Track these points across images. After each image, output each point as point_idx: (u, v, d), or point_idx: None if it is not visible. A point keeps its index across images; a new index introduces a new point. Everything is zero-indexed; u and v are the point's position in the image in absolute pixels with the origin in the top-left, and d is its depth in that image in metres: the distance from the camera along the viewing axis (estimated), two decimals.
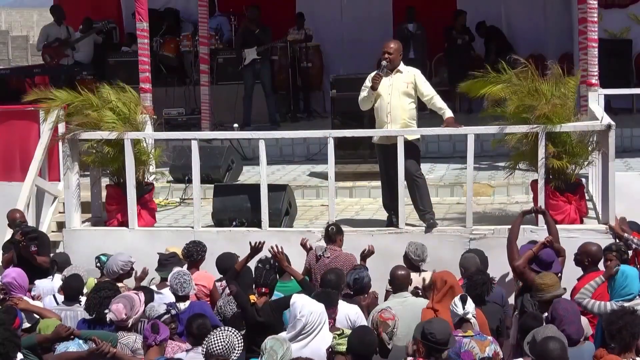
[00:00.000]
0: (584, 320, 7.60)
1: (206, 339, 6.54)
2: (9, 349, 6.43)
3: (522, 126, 10.12)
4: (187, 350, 7.15)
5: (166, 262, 8.68)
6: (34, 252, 9.76)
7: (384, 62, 10.23)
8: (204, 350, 6.50)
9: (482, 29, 16.64)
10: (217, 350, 6.41)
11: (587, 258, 8.58)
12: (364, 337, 6.55)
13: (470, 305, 7.14)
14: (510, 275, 9.14)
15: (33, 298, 8.80)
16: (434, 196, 11.21)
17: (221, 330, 6.57)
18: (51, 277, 9.07)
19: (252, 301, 7.74)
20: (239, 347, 6.50)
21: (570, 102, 10.14)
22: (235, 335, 6.52)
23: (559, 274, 8.69)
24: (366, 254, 9.19)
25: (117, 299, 7.40)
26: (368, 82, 10.37)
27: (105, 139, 10.67)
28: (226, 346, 6.41)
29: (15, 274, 8.74)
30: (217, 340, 6.44)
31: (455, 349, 6.79)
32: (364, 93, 10.36)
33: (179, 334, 7.65)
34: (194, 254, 9.09)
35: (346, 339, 6.58)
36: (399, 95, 10.25)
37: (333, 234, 9.31)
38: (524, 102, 9.99)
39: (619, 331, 6.52)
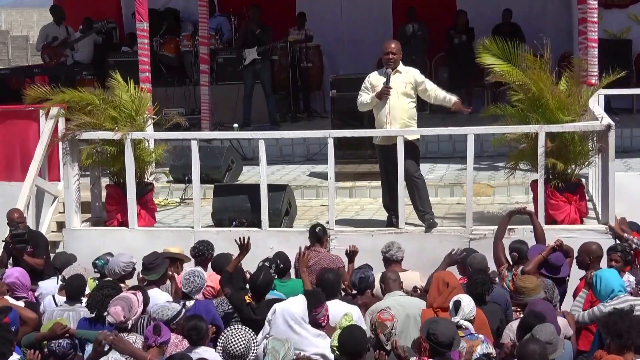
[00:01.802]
0: (563, 320, 7.64)
1: (222, 339, 6.63)
2: (2, 346, 6.48)
3: (522, 126, 10.12)
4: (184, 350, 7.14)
5: (151, 265, 8.66)
6: (29, 253, 9.82)
7: (388, 71, 10.21)
8: (221, 350, 6.56)
9: (507, 17, 16.46)
10: (239, 350, 6.48)
11: (588, 257, 8.61)
12: (353, 334, 6.58)
13: (462, 312, 7.14)
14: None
15: (36, 299, 8.83)
16: (434, 196, 11.22)
17: (235, 329, 6.62)
18: (55, 279, 9.07)
19: (247, 301, 7.80)
20: (255, 345, 6.58)
21: (577, 103, 10.16)
22: (250, 333, 6.60)
23: (567, 277, 8.71)
24: (351, 254, 9.17)
25: (115, 301, 7.40)
26: (368, 84, 10.37)
27: (106, 139, 10.70)
28: (246, 346, 6.51)
29: (18, 273, 8.78)
30: (236, 340, 6.54)
31: (457, 347, 6.80)
32: (365, 98, 10.34)
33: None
34: (205, 253, 9.13)
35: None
36: (398, 96, 10.25)
37: (321, 235, 9.28)
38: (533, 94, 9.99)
39: (627, 331, 6.51)
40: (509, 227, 9.64)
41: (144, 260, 8.66)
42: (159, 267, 8.62)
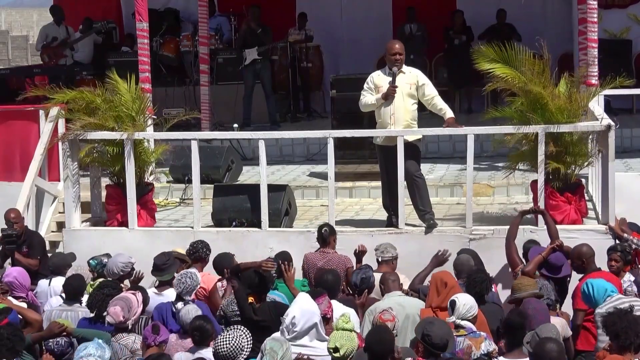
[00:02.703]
0: (561, 320, 7.64)
1: (217, 338, 6.57)
2: (15, 343, 6.52)
3: (522, 126, 10.11)
4: (187, 350, 7.15)
5: (164, 266, 8.66)
6: (23, 253, 9.89)
7: (394, 69, 10.16)
8: (213, 350, 6.54)
9: (502, 17, 16.42)
10: (223, 351, 6.45)
11: (581, 260, 8.56)
12: (382, 336, 6.56)
13: (457, 312, 7.15)
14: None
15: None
16: (434, 196, 11.22)
17: (231, 330, 6.60)
18: (48, 280, 9.08)
19: (250, 300, 7.78)
20: (247, 347, 6.54)
21: (577, 104, 10.17)
22: (244, 336, 6.55)
23: (568, 278, 8.71)
24: (359, 254, 9.18)
25: (114, 301, 7.41)
26: (371, 84, 10.32)
27: (107, 139, 10.71)
28: (232, 347, 6.47)
29: (16, 273, 8.81)
30: (224, 341, 6.49)
31: (451, 349, 6.81)
32: (369, 99, 10.25)
33: (174, 333, 7.64)
34: (199, 250, 9.11)
35: (341, 353, 6.57)
36: (403, 97, 10.18)
37: (327, 236, 9.28)
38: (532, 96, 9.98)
39: (624, 331, 6.53)
40: (507, 227, 9.62)
41: (156, 261, 8.68)
42: (171, 268, 8.65)
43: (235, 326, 6.79)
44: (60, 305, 8.27)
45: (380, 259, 8.94)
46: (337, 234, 9.55)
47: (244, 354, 6.52)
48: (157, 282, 8.81)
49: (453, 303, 7.21)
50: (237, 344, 6.48)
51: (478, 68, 10.30)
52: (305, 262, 9.22)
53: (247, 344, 6.56)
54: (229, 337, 6.51)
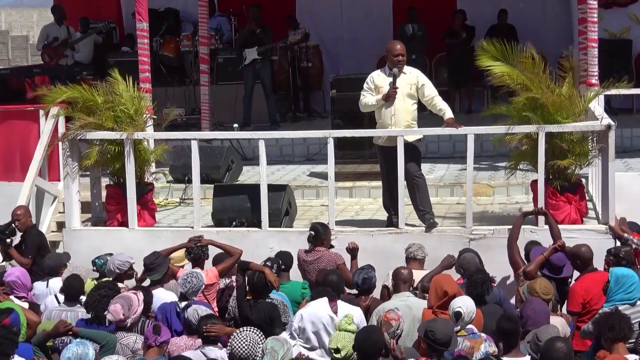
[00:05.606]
0: (561, 320, 7.63)
1: (230, 340, 6.61)
2: (6, 347, 6.47)
3: (522, 126, 10.11)
4: (197, 348, 7.15)
5: (152, 265, 8.64)
6: (21, 251, 9.91)
7: (395, 70, 10.15)
8: (229, 351, 6.57)
9: (503, 18, 16.43)
10: (242, 352, 6.47)
11: (577, 260, 8.55)
12: (370, 336, 6.57)
13: (462, 321, 7.14)
14: (512, 278, 9.14)
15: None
16: (434, 196, 11.22)
17: (244, 330, 6.62)
18: (45, 281, 9.06)
19: (248, 297, 7.79)
20: (262, 345, 6.56)
21: (578, 103, 10.16)
22: (257, 334, 6.59)
23: (569, 279, 8.70)
24: (352, 250, 9.16)
25: (115, 300, 7.42)
26: (371, 84, 10.30)
27: (108, 139, 10.71)
28: (251, 347, 6.48)
29: (19, 272, 8.82)
30: (241, 342, 6.52)
31: (454, 347, 6.81)
32: (369, 99, 10.24)
33: (178, 333, 7.64)
34: (200, 257, 9.08)
35: (342, 354, 6.59)
36: (403, 98, 10.17)
37: (311, 240, 9.20)
38: (532, 94, 9.96)
39: (618, 323, 6.67)
40: (507, 227, 9.62)
41: (145, 261, 8.65)
42: (160, 267, 8.61)
43: (248, 327, 6.79)
44: (60, 305, 8.26)
45: (412, 256, 8.91)
46: (338, 234, 9.54)
47: (259, 354, 6.55)
48: (149, 282, 8.79)
49: (458, 314, 7.17)
50: (254, 343, 6.51)
51: (478, 64, 10.31)
52: (297, 259, 9.20)
53: (261, 342, 6.61)
54: (245, 338, 6.54)
